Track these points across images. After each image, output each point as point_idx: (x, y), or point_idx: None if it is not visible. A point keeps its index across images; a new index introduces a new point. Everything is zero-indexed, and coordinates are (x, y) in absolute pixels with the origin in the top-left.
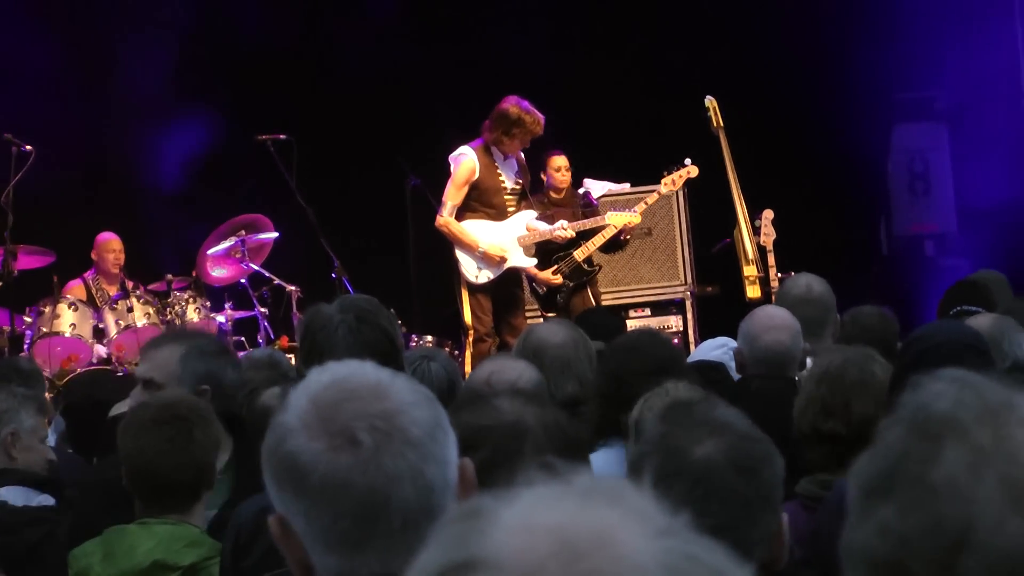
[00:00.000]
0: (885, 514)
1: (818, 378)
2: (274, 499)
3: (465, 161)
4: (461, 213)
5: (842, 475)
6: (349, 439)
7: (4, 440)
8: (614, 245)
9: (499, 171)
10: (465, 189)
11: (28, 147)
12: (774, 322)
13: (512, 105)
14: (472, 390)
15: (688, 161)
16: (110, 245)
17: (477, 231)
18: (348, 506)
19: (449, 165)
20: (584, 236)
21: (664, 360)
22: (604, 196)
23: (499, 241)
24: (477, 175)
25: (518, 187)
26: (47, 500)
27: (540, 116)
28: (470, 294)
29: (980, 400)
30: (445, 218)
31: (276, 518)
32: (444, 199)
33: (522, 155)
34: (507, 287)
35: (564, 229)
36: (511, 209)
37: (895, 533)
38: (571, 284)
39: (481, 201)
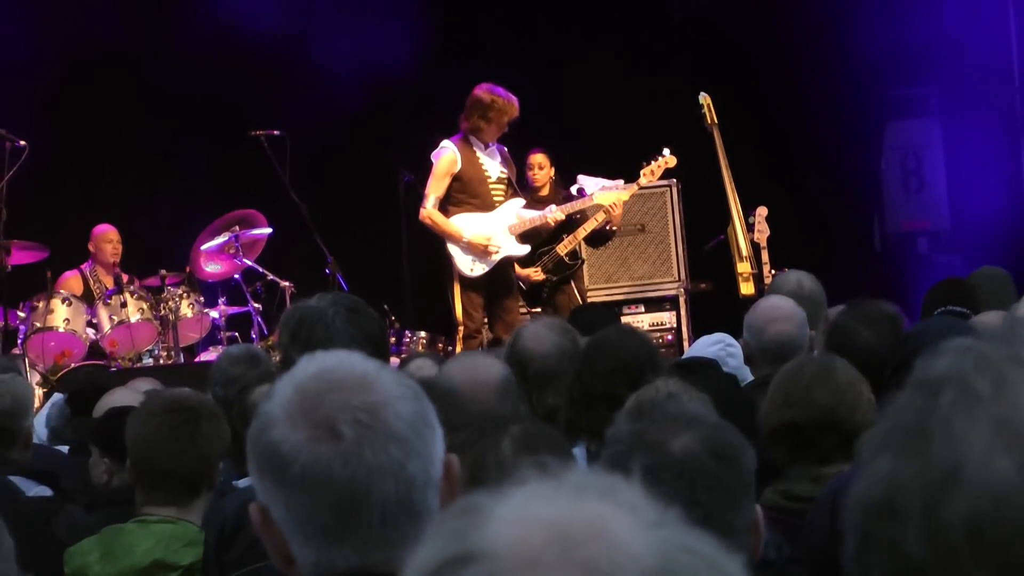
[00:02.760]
0: (882, 462)
1: (778, 378)
2: (256, 487)
3: (445, 154)
4: (448, 207)
5: (806, 479)
6: (331, 431)
7: (26, 432)
8: (601, 237)
9: (481, 162)
10: (447, 180)
11: (22, 142)
12: (779, 312)
13: (484, 91)
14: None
15: (666, 151)
16: (107, 236)
17: (461, 222)
18: (327, 498)
19: (431, 162)
20: (567, 229)
21: (630, 359)
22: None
23: (485, 231)
24: (459, 167)
25: (504, 176)
26: (44, 491)
27: (514, 98)
28: (462, 289)
29: (982, 355)
30: (428, 210)
31: (257, 506)
32: (426, 191)
33: (504, 148)
34: (500, 281)
35: (554, 212)
36: (498, 199)
37: (888, 476)
38: (554, 279)
39: (467, 192)
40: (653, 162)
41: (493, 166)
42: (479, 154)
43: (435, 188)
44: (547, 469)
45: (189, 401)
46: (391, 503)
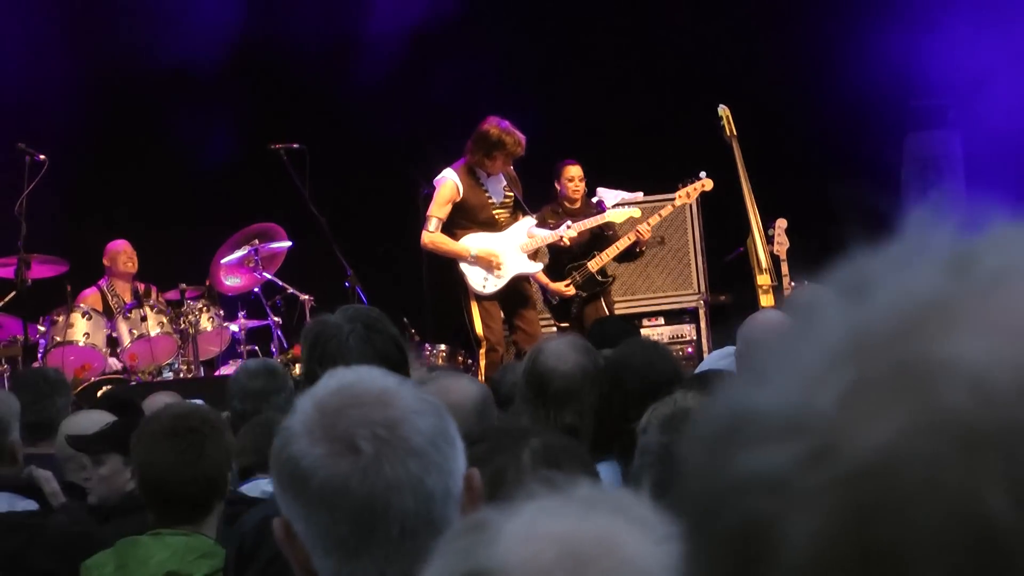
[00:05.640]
0: None
1: None
2: (279, 502)
3: (446, 184)
4: (454, 232)
5: None
6: (349, 446)
7: (11, 445)
8: (629, 256)
9: (484, 188)
10: (448, 207)
11: (42, 156)
12: (771, 326)
13: (493, 127)
14: None
15: (703, 174)
16: (120, 248)
17: (468, 240)
18: (346, 512)
19: (433, 189)
20: (598, 247)
21: (659, 378)
22: (617, 205)
23: (492, 246)
24: (461, 195)
25: (508, 200)
26: (30, 505)
27: (521, 136)
28: (478, 304)
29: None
30: (431, 233)
31: (281, 520)
32: (428, 215)
33: (511, 167)
34: (516, 294)
35: (569, 228)
36: (503, 221)
37: None
38: (584, 294)
39: (469, 219)
40: (690, 184)
41: (497, 191)
42: (482, 181)
43: (437, 212)
44: (555, 484)
45: (191, 421)
46: (410, 517)
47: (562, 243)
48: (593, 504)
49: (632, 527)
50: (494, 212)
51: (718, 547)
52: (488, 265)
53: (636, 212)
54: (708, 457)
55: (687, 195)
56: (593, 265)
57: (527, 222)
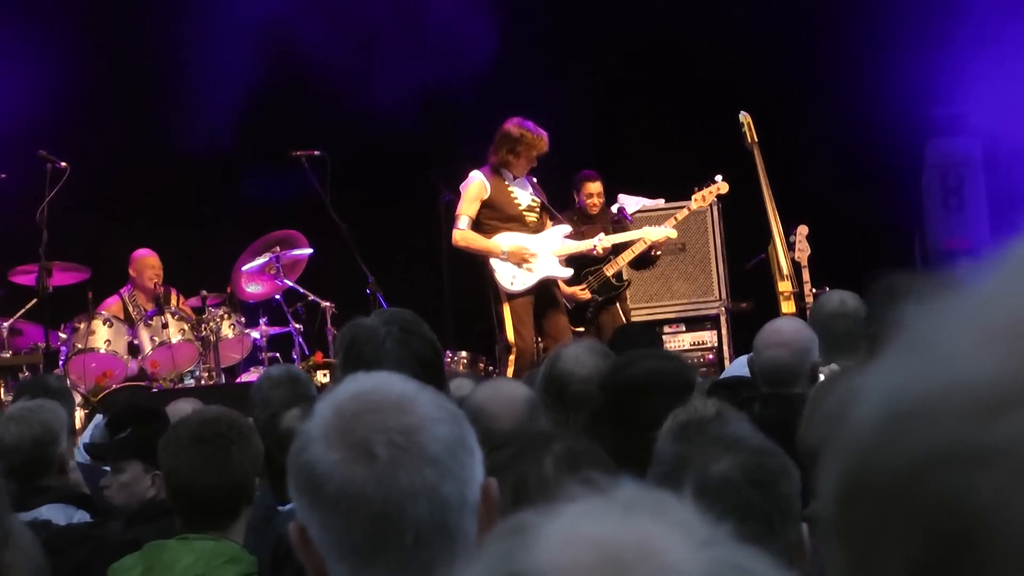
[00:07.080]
0: None
1: (812, 396)
2: (296, 506)
3: (473, 182)
4: (484, 234)
5: None
6: (366, 452)
7: (61, 456)
8: (645, 261)
9: (511, 190)
10: (477, 204)
11: (63, 164)
12: (778, 337)
13: (514, 125)
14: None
15: (719, 178)
16: (148, 261)
17: (501, 238)
18: (360, 518)
19: (456, 196)
20: (614, 251)
21: (662, 379)
22: (638, 212)
23: (525, 243)
24: (488, 194)
25: (535, 203)
26: (84, 516)
27: (543, 133)
28: (511, 309)
29: None
30: (462, 230)
31: (296, 526)
32: (457, 213)
33: (534, 179)
34: (547, 300)
35: (602, 241)
36: (531, 223)
37: None
38: (600, 299)
39: (498, 216)
40: (705, 187)
41: (523, 195)
42: (508, 183)
43: (466, 209)
44: (595, 486)
45: (218, 426)
46: (424, 525)
47: (595, 252)
48: (633, 507)
49: (674, 531)
50: (522, 212)
51: (912, 530)
52: (519, 262)
53: (672, 233)
54: (893, 436)
55: (702, 198)
56: (608, 269)
57: (563, 228)
